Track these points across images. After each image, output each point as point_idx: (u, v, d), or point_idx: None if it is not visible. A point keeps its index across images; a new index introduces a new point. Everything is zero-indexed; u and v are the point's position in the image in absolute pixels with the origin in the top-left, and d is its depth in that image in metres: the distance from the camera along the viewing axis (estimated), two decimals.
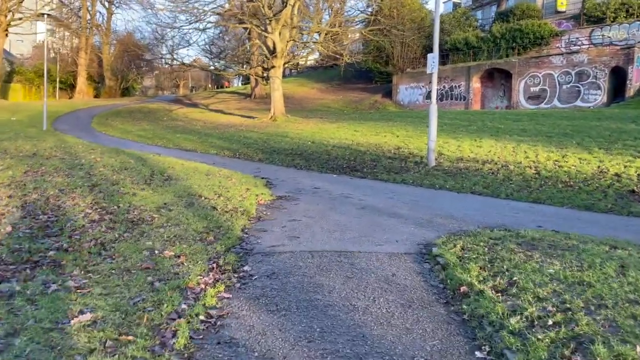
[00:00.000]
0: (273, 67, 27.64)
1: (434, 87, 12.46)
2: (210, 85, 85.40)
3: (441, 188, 10.03)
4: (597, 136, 14.28)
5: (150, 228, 5.66)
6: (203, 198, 7.33)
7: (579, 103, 29.24)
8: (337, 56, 30.03)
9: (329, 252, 5.14)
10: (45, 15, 24.17)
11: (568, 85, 30.04)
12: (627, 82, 27.63)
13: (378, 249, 5.25)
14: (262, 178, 10.66)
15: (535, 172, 10.75)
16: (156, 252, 4.82)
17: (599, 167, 10.61)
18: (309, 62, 60.32)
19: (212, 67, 41.08)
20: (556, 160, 11.58)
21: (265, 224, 6.36)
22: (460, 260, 4.55)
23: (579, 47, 32.82)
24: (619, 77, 28.36)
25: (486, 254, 4.68)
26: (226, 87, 73.20)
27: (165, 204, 6.82)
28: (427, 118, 24.06)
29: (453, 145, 14.83)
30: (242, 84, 72.82)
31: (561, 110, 25.99)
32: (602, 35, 33.35)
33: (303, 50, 38.76)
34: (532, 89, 32.01)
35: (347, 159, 14.06)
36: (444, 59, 40.04)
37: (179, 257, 4.71)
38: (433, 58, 12.25)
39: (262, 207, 7.37)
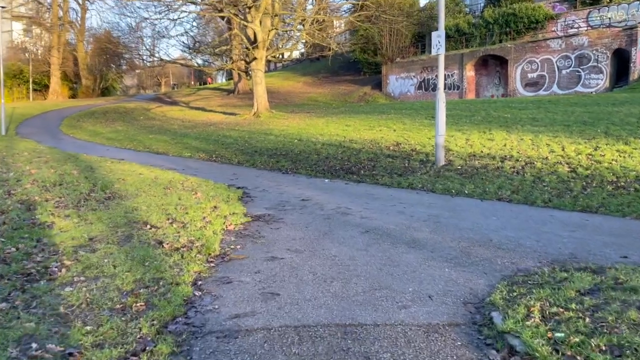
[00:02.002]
0: (255, 59, 25.53)
1: (441, 71, 10.51)
2: (193, 83, 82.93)
3: (459, 194, 8.11)
4: (622, 123, 12.45)
5: (50, 288, 3.66)
6: (149, 227, 5.31)
7: (579, 88, 27.57)
8: (324, 45, 27.99)
9: (327, 326, 3.17)
10: (1, 8, 21.82)
11: (568, 70, 28.36)
12: (631, 64, 25.98)
13: (405, 317, 3.28)
14: (238, 188, 8.65)
15: (569, 169, 8.87)
16: (34, 345, 2.82)
17: None
18: (294, 55, 58.23)
19: (191, 62, 38.87)
20: (590, 154, 9.71)
21: (230, 268, 4.36)
22: (557, 352, 2.61)
23: (577, 30, 31.05)
24: (620, 60, 26.72)
25: (597, 333, 2.74)
26: (209, 83, 70.72)
27: (91, 239, 4.81)
28: (423, 109, 22.23)
29: (460, 138, 12.91)
30: (226, 80, 70.40)
31: (567, 96, 24.21)
32: (601, 17, 31.60)
33: (288, 43, 36.67)
34: (529, 75, 30.30)
35: (339, 159, 12.10)
36: None
37: (69, 357, 2.72)
38: (439, 36, 10.30)
39: (231, 236, 5.37)
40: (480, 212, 6.62)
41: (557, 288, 3.44)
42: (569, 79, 28.44)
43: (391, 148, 12.79)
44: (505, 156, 10.48)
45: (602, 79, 27.12)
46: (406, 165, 10.76)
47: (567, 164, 9.27)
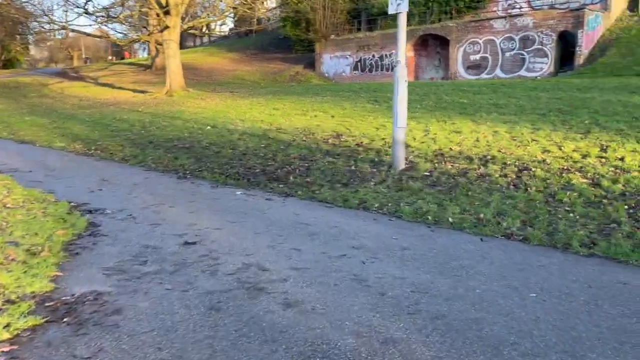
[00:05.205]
0: (166, 27, 21.54)
1: (402, 38, 7.50)
2: (110, 57, 75.87)
3: (439, 222, 5.18)
4: (609, 113, 10.11)
5: None
6: None
7: (523, 72, 25.75)
8: (252, 19, 24.34)
9: None
10: None
11: (512, 53, 26.46)
12: (577, 48, 24.36)
13: None
14: (87, 213, 5.28)
15: (589, 181, 6.17)
16: None
17: None
18: (220, 29, 53.77)
19: (100, 32, 33.89)
20: (601, 157, 7.11)
21: None
22: None
23: (519, 10, 29.25)
24: (565, 43, 25.10)
25: None
26: (127, 57, 64.34)
27: None
28: (363, 92, 19.18)
29: (417, 129, 10.08)
30: (147, 55, 64.47)
31: (516, 80, 22.21)
32: None
33: (212, 14, 32.57)
34: (471, 57, 28.18)
35: (262, 157, 8.88)
36: (370, 24, 35.58)
37: None
38: None
39: None
40: (497, 275, 3.68)
41: None
42: (512, 61, 26.57)
43: (330, 141, 9.72)
44: (486, 156, 7.70)
45: (546, 63, 25.44)
46: (353, 167, 7.73)
47: (578, 171, 6.59)
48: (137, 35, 34.66)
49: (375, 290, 3.37)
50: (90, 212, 5.39)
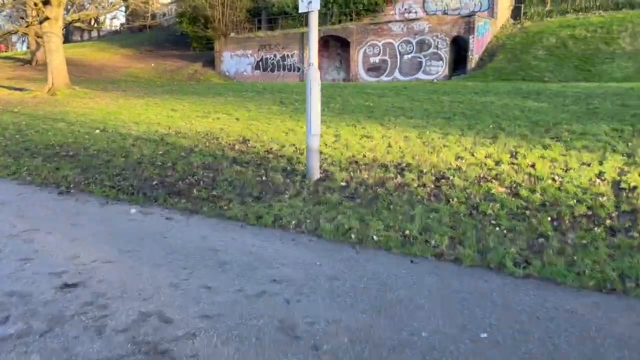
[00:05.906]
0: (47, 18, 19.39)
1: (314, 38, 6.97)
2: None
3: (362, 241, 4.73)
4: (509, 117, 10.42)
5: None
6: None
7: (420, 75, 26.61)
8: (141, 7, 22.68)
9: None
10: None
11: (409, 56, 27.23)
12: (469, 53, 25.59)
13: None
14: None
15: (507, 190, 6.05)
16: None
17: (597, 174, 6.34)
18: (111, 24, 50.35)
19: None
20: (513, 164, 7.10)
21: None
22: None
23: (415, 15, 30.22)
24: (458, 48, 26.29)
25: None
26: (2, 51, 58.16)
27: None
28: (267, 92, 18.52)
29: (328, 135, 9.66)
30: (27, 48, 58.72)
31: (415, 83, 22.78)
32: (435, 3, 31.16)
33: (102, 8, 30.11)
34: (371, 59, 28.66)
35: (160, 166, 7.95)
36: (271, 23, 35.06)
37: None
38: None
39: None
40: (440, 311, 3.26)
41: None
42: (410, 65, 27.35)
43: (237, 147, 8.99)
44: (401, 164, 7.43)
45: (441, 67, 26.47)
46: (264, 178, 7.09)
47: (494, 179, 6.48)
48: (13, 27, 31.19)
49: (307, 344, 2.79)
50: None
